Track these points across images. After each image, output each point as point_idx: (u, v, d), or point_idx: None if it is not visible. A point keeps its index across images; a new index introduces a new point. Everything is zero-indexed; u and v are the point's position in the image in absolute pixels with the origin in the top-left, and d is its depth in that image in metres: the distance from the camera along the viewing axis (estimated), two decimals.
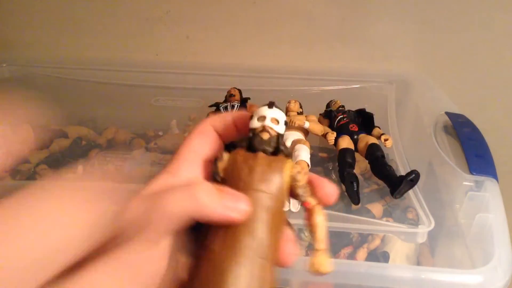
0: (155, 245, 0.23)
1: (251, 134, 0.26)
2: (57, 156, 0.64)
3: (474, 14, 0.72)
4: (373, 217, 0.48)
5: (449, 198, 0.50)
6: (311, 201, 0.25)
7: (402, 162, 0.53)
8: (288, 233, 0.25)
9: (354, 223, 0.43)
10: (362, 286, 0.39)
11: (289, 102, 0.58)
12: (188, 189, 0.23)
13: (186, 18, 0.79)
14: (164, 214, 0.23)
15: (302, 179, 0.25)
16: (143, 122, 0.73)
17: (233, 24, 0.79)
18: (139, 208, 0.23)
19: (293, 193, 0.25)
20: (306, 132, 0.55)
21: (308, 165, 0.50)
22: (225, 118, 0.28)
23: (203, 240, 0.24)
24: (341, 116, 0.58)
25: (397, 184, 0.46)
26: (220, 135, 0.28)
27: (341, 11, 0.75)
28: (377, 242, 0.50)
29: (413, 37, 0.76)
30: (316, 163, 0.57)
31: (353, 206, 0.48)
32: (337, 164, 0.52)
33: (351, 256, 0.49)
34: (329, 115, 0.60)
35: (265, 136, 0.25)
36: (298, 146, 0.51)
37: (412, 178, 0.46)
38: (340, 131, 0.56)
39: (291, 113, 0.57)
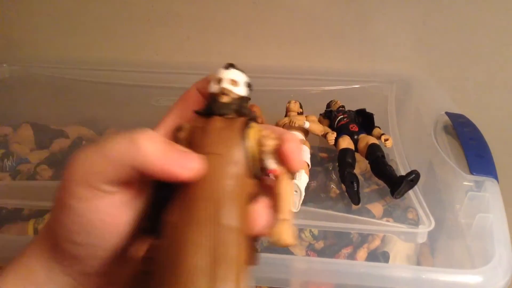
0: (104, 195, 0.22)
1: (210, 100, 0.24)
2: (57, 156, 0.64)
3: (474, 14, 0.72)
4: (373, 217, 0.48)
5: (449, 198, 0.50)
6: (278, 168, 0.23)
7: (402, 162, 0.53)
8: (261, 200, 0.23)
9: (354, 223, 0.43)
10: (362, 286, 0.39)
11: (289, 102, 0.58)
12: (130, 135, 0.21)
13: (186, 18, 0.79)
14: (105, 160, 0.21)
15: (270, 143, 0.23)
16: (143, 122, 0.72)
17: (233, 24, 0.79)
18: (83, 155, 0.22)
19: (260, 159, 0.23)
20: (306, 132, 0.55)
21: (308, 165, 0.50)
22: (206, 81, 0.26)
23: (163, 216, 0.22)
24: (341, 116, 0.58)
25: (397, 184, 0.46)
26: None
27: (341, 11, 0.75)
28: (377, 242, 0.50)
29: (413, 37, 0.76)
30: (316, 163, 0.57)
31: (353, 206, 0.48)
32: (337, 164, 0.52)
33: (351, 256, 0.49)
34: (329, 115, 0.60)
35: (224, 99, 0.24)
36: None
37: (412, 178, 0.46)
38: (340, 131, 0.56)
39: (291, 113, 0.57)
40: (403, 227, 0.43)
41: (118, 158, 0.21)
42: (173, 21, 0.80)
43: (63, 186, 0.23)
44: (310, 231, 0.49)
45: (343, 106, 0.62)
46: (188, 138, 0.23)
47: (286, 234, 0.22)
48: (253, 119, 0.24)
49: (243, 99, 0.24)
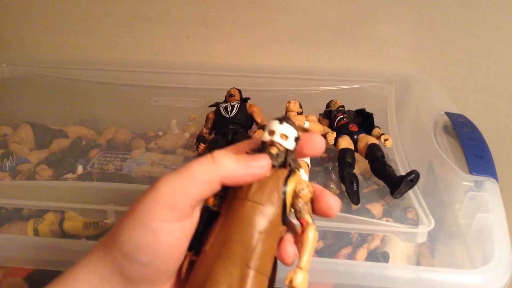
0: (183, 218, 0.25)
1: (260, 147, 0.27)
2: (57, 156, 0.64)
3: (474, 14, 0.72)
4: (373, 217, 0.48)
5: (449, 198, 0.50)
6: (308, 219, 0.26)
7: (402, 162, 0.53)
8: (287, 237, 0.26)
9: (354, 223, 0.43)
10: (362, 286, 0.39)
11: (289, 102, 0.58)
12: (211, 157, 0.25)
13: (186, 18, 0.79)
14: (194, 181, 0.25)
15: (304, 197, 0.26)
16: (143, 122, 0.73)
17: (233, 24, 0.79)
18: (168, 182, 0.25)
19: (293, 207, 0.26)
20: (306, 132, 0.55)
21: (308, 165, 0.50)
22: None
23: (204, 244, 0.25)
24: (341, 116, 0.58)
25: (397, 184, 0.46)
26: None
27: (341, 11, 0.75)
28: (377, 242, 0.50)
29: (413, 37, 0.76)
30: (316, 163, 0.57)
31: (353, 206, 0.48)
32: (337, 164, 0.52)
33: (351, 256, 0.49)
34: (329, 115, 0.60)
35: (273, 150, 0.26)
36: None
37: (412, 178, 0.46)
38: (340, 131, 0.56)
39: (291, 113, 0.57)
40: (403, 227, 0.43)
41: (206, 178, 0.25)
42: (173, 21, 0.80)
43: (147, 207, 0.25)
44: None
45: (342, 106, 0.62)
46: None
47: (300, 282, 0.23)
48: (297, 170, 0.27)
49: (289, 152, 0.27)
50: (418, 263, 0.50)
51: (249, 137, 0.54)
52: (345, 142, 0.53)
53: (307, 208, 0.26)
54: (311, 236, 0.25)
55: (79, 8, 0.81)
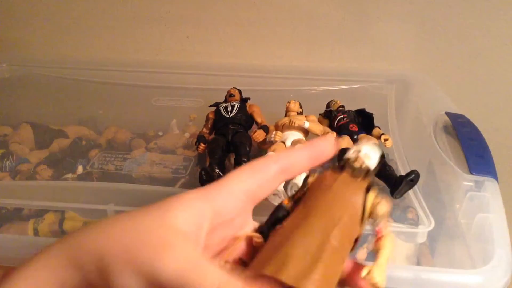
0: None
1: (342, 163, 0.28)
2: (57, 156, 0.64)
3: (474, 14, 0.72)
4: None
5: (449, 198, 0.50)
6: (384, 229, 0.27)
7: (402, 162, 0.53)
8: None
9: None
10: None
11: (289, 102, 0.58)
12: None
13: (186, 18, 0.79)
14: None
15: (381, 210, 0.27)
16: (143, 122, 0.73)
17: (233, 24, 0.79)
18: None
19: (371, 215, 0.27)
20: (306, 132, 0.55)
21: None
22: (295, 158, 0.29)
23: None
24: (341, 116, 0.58)
25: (397, 184, 0.46)
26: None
27: (341, 11, 0.75)
28: None
29: (413, 37, 0.76)
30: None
31: None
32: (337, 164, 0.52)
33: (351, 256, 0.49)
34: (329, 115, 0.60)
35: (357, 164, 0.28)
36: (298, 146, 0.51)
37: (412, 178, 0.46)
38: (340, 131, 0.56)
39: (291, 113, 0.57)
40: (403, 227, 0.43)
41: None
42: (173, 21, 0.80)
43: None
44: None
45: (342, 106, 0.62)
46: (315, 181, 0.28)
47: (379, 275, 0.25)
48: (374, 186, 0.28)
49: (370, 171, 0.28)
50: (418, 263, 0.50)
51: (249, 137, 0.54)
52: (345, 142, 0.53)
53: (384, 221, 0.27)
54: (389, 243, 0.27)
55: (79, 8, 0.81)
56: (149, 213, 0.24)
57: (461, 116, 0.59)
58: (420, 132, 0.63)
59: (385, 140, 0.53)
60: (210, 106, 0.60)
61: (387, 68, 0.78)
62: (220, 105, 0.59)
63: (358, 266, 0.27)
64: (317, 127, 0.55)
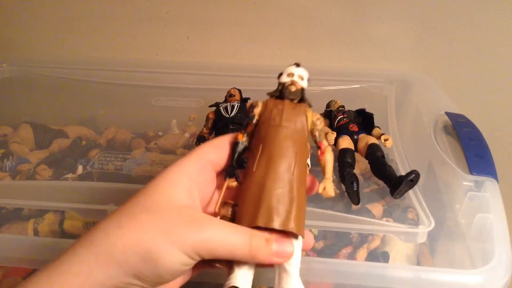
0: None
1: (280, 87, 0.33)
2: (57, 156, 0.64)
3: (474, 14, 0.72)
4: (373, 217, 0.48)
5: (449, 198, 0.50)
6: (325, 143, 0.32)
7: (402, 162, 0.53)
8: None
9: (354, 223, 0.43)
10: (362, 286, 0.39)
11: None
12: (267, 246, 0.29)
13: (186, 18, 0.79)
14: (213, 256, 0.28)
15: (320, 124, 0.32)
16: (143, 122, 0.73)
17: (233, 24, 0.79)
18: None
19: (312, 134, 0.32)
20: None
21: (308, 165, 0.50)
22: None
23: (248, 169, 0.31)
24: (341, 116, 0.58)
25: (397, 184, 0.46)
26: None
27: (341, 11, 0.75)
28: (377, 242, 0.50)
29: (413, 37, 0.76)
30: (316, 163, 0.57)
31: (353, 206, 0.48)
32: (337, 164, 0.52)
33: (351, 256, 0.49)
34: (329, 115, 0.60)
35: (293, 88, 0.32)
36: None
37: (412, 178, 0.46)
38: (340, 131, 0.56)
39: None
40: (403, 227, 0.43)
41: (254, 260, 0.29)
42: (173, 21, 0.80)
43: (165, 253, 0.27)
44: (310, 231, 0.49)
45: (343, 106, 0.62)
46: (262, 113, 0.32)
47: (330, 188, 0.31)
48: (310, 105, 0.33)
49: (303, 90, 0.33)
50: (418, 263, 0.50)
51: None
52: (345, 142, 0.53)
53: (322, 134, 0.32)
54: (330, 156, 0.32)
55: (79, 8, 0.81)
56: (155, 201, 0.28)
57: (461, 116, 0.59)
58: (420, 132, 0.63)
59: (385, 140, 0.53)
60: (210, 106, 0.60)
61: (387, 68, 0.78)
62: (220, 105, 0.59)
63: (312, 179, 0.33)
64: None
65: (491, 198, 0.45)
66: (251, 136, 0.33)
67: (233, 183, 0.32)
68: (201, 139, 0.55)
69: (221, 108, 0.58)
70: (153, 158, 0.61)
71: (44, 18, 0.83)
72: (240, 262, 0.29)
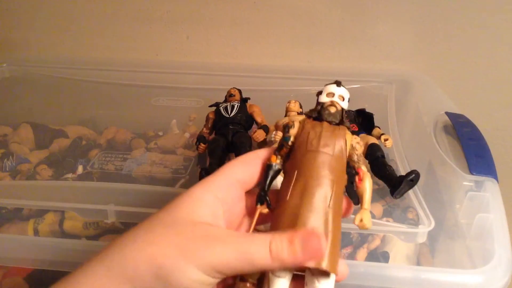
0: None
1: (319, 107, 0.31)
2: (57, 156, 0.64)
3: (474, 14, 0.72)
4: (373, 217, 0.48)
5: (449, 198, 0.50)
6: (364, 168, 0.30)
7: (402, 162, 0.53)
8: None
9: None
10: (362, 286, 0.39)
11: (289, 102, 0.58)
12: (268, 251, 0.26)
13: (186, 18, 0.79)
14: (234, 271, 0.26)
15: (359, 148, 0.31)
16: (143, 122, 0.73)
17: (233, 24, 0.79)
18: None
19: (350, 159, 0.30)
20: None
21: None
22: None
23: (281, 195, 0.29)
24: None
25: (397, 184, 0.46)
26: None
27: (341, 11, 0.75)
28: (377, 242, 0.50)
29: (413, 37, 0.76)
30: None
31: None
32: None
33: (351, 256, 0.49)
34: None
35: (333, 109, 0.30)
36: None
37: (412, 178, 0.46)
38: None
39: (291, 113, 0.57)
40: (403, 227, 0.43)
41: (259, 266, 0.26)
42: (173, 21, 0.80)
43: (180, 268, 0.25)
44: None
45: None
46: (298, 135, 0.30)
47: (368, 220, 0.29)
48: (349, 128, 0.31)
49: (344, 111, 0.31)
50: (418, 263, 0.50)
51: (249, 137, 0.54)
52: None
53: (362, 160, 0.30)
54: (369, 184, 0.30)
55: (79, 9, 0.81)
56: (175, 217, 0.27)
57: (461, 116, 0.59)
58: (420, 132, 0.63)
59: (385, 140, 0.53)
60: (210, 106, 0.60)
61: (387, 68, 0.78)
62: (220, 105, 0.59)
63: (348, 203, 0.31)
64: None
65: (491, 198, 0.45)
66: (285, 158, 0.31)
67: (264, 210, 0.29)
68: (201, 139, 0.55)
69: (221, 108, 0.58)
70: (153, 158, 0.61)
71: (44, 18, 0.83)
72: (271, 280, 0.27)
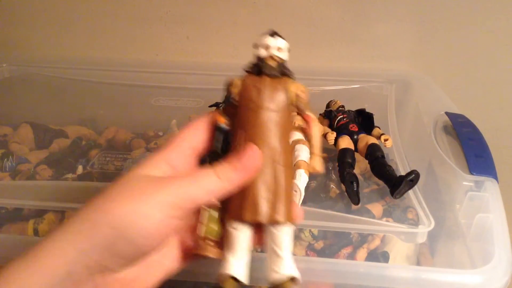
0: (185, 217, 0.28)
1: (259, 62, 0.30)
2: (57, 156, 0.64)
3: (474, 14, 0.72)
4: (373, 217, 0.48)
5: (449, 198, 0.50)
6: (311, 114, 0.31)
7: (402, 162, 0.53)
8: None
9: (354, 223, 0.43)
10: (362, 286, 0.39)
11: None
12: (215, 174, 0.28)
13: (186, 18, 0.79)
14: (192, 203, 0.28)
15: (304, 96, 0.30)
16: (143, 122, 0.72)
17: (233, 24, 0.79)
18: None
19: (296, 108, 0.30)
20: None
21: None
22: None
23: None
24: (341, 116, 0.58)
25: (397, 184, 0.46)
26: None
27: (341, 11, 0.75)
28: (377, 242, 0.50)
29: (413, 37, 0.76)
30: None
31: (353, 206, 0.48)
32: (337, 164, 0.52)
33: (351, 256, 0.49)
34: (329, 115, 0.60)
35: (272, 63, 0.30)
36: (298, 146, 0.51)
37: (412, 178, 0.46)
38: (340, 131, 0.56)
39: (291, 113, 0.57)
40: (403, 227, 0.43)
41: (213, 193, 0.29)
42: (173, 21, 0.80)
43: (154, 200, 0.27)
44: (310, 231, 0.49)
45: (342, 106, 0.62)
46: (241, 93, 0.30)
47: (317, 164, 0.30)
48: (293, 77, 0.31)
49: (285, 62, 0.30)
50: (418, 263, 0.50)
51: None
52: (345, 142, 0.53)
53: (308, 106, 0.30)
54: (317, 130, 0.31)
55: (79, 8, 0.81)
56: (128, 180, 0.29)
57: (461, 116, 0.59)
58: (420, 132, 0.63)
59: (385, 140, 0.53)
60: (210, 106, 0.60)
61: (387, 68, 0.78)
62: (220, 105, 0.59)
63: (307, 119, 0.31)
64: None
65: (491, 198, 0.45)
66: (232, 117, 0.31)
67: None
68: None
69: (221, 108, 0.58)
70: None
71: (44, 18, 0.83)
72: (232, 249, 0.28)
